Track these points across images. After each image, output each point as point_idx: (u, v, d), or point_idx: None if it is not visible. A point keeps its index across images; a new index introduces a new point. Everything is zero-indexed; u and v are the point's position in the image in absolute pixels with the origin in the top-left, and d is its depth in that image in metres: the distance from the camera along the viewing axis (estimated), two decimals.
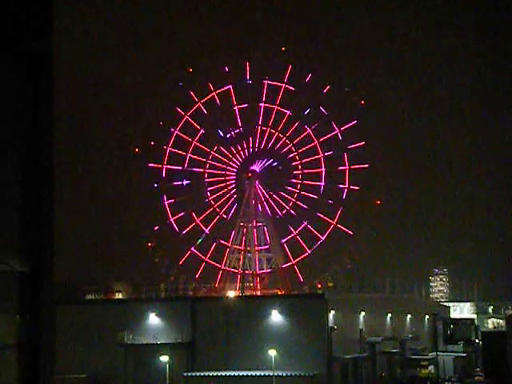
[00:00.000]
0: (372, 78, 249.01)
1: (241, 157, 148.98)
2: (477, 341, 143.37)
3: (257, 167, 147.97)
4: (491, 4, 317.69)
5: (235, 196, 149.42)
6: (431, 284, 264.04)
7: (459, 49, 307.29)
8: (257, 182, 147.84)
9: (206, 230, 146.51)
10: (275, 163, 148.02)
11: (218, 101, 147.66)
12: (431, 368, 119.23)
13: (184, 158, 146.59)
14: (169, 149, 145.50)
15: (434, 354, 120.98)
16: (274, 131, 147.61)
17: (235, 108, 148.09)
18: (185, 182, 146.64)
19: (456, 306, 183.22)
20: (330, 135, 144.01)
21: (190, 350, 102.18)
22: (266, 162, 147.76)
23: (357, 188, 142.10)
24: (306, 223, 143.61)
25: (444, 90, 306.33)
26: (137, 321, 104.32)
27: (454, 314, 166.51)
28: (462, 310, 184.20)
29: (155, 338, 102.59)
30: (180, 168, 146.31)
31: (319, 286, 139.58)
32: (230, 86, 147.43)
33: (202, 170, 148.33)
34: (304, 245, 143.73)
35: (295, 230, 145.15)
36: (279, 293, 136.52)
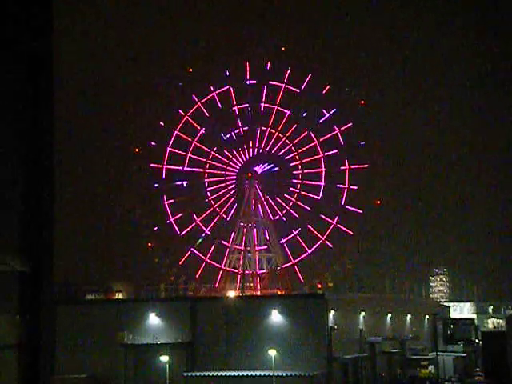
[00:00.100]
0: (372, 78, 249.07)
1: (241, 157, 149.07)
2: (477, 341, 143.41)
3: (258, 168, 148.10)
4: (491, 4, 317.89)
5: (235, 196, 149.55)
6: (431, 284, 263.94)
7: (459, 49, 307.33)
8: (256, 182, 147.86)
9: (206, 230, 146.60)
10: (276, 168, 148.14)
11: (217, 101, 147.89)
12: (431, 368, 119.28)
13: (184, 158, 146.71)
14: (169, 149, 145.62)
15: (434, 354, 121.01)
16: (273, 131, 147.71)
17: (235, 108, 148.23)
18: (184, 183, 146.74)
19: (456, 306, 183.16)
20: (329, 135, 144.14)
21: (190, 349, 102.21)
22: (266, 167, 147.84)
23: (357, 188, 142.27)
24: (296, 232, 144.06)
25: (444, 89, 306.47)
26: (137, 321, 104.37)
27: (454, 314, 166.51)
28: (462, 310, 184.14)
29: (155, 338, 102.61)
30: (180, 168, 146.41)
31: (319, 286, 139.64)
32: (230, 86, 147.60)
33: (201, 170, 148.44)
34: (304, 245, 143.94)
35: (295, 231, 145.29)
36: (279, 293, 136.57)
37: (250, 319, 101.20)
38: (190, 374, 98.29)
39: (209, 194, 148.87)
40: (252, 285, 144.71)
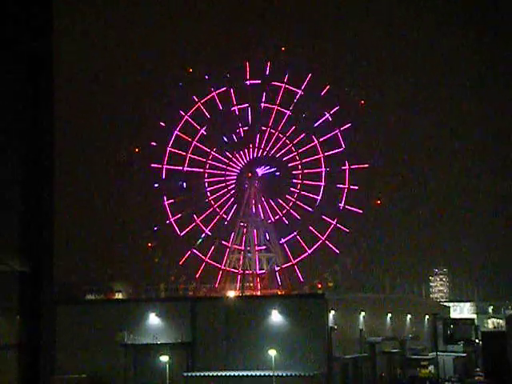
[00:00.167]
0: (372, 78, 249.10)
1: (240, 157, 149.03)
2: (477, 341, 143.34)
3: (259, 170, 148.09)
4: (491, 4, 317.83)
5: (235, 196, 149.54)
6: (431, 284, 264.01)
7: (459, 49, 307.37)
8: (256, 182, 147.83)
9: (206, 231, 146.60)
10: (277, 173, 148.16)
11: (218, 101, 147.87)
12: (431, 368, 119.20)
13: (184, 158, 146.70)
14: (169, 149, 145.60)
15: (434, 353, 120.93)
16: (274, 131, 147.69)
17: (235, 108, 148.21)
18: (184, 183, 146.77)
19: (456, 306, 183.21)
20: (329, 135, 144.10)
21: (189, 349, 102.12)
22: (267, 170, 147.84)
23: (357, 188, 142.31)
24: (296, 232, 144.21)
25: (444, 89, 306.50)
26: (137, 321, 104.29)
27: (454, 314, 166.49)
28: (462, 310, 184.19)
29: (155, 338, 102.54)
30: (180, 168, 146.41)
31: (319, 286, 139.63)
32: (230, 86, 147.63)
33: (201, 170, 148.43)
34: (304, 245, 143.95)
35: (295, 231, 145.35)
36: (279, 293, 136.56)
37: (250, 319, 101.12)
38: (190, 374, 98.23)
39: (209, 194, 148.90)
40: (252, 285, 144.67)
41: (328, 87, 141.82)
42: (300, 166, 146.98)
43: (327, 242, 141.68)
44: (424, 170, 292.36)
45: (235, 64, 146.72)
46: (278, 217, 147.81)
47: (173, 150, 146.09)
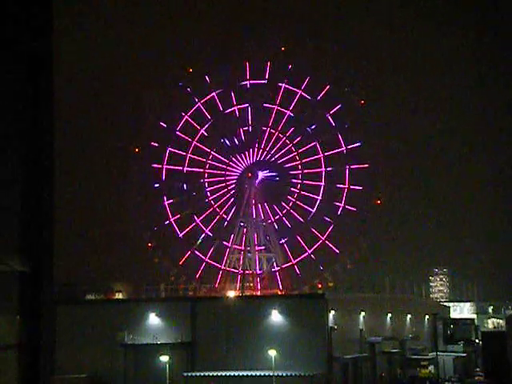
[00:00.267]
0: (372, 78, 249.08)
1: (241, 157, 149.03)
2: (477, 341, 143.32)
3: (260, 172, 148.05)
4: (491, 4, 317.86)
5: (235, 196, 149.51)
6: (431, 284, 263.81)
7: (459, 49, 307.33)
8: (256, 182, 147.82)
9: (206, 231, 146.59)
10: (277, 178, 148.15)
11: (218, 101, 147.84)
12: (431, 368, 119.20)
13: (184, 159, 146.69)
14: (169, 149, 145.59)
15: (434, 353, 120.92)
16: (274, 131, 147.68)
17: (235, 108, 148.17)
18: (184, 184, 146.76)
19: (456, 306, 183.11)
20: (329, 135, 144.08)
21: (190, 349, 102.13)
22: (267, 173, 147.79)
23: (357, 188, 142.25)
24: (296, 232, 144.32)
25: (444, 89, 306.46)
26: (137, 321, 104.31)
27: (454, 314, 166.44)
28: (462, 310, 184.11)
29: (155, 338, 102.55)
30: (180, 168, 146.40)
31: (319, 286, 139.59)
32: (230, 87, 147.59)
33: (201, 170, 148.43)
34: (304, 245, 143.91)
35: (295, 231, 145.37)
36: (279, 293, 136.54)
37: (250, 319, 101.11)
38: (190, 374, 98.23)
39: (209, 194, 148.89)
40: (252, 285, 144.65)
41: (328, 87, 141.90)
42: (300, 166, 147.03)
43: (327, 241, 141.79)
44: (424, 170, 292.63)
45: (235, 64, 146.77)
46: (278, 217, 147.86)
47: (173, 150, 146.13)
